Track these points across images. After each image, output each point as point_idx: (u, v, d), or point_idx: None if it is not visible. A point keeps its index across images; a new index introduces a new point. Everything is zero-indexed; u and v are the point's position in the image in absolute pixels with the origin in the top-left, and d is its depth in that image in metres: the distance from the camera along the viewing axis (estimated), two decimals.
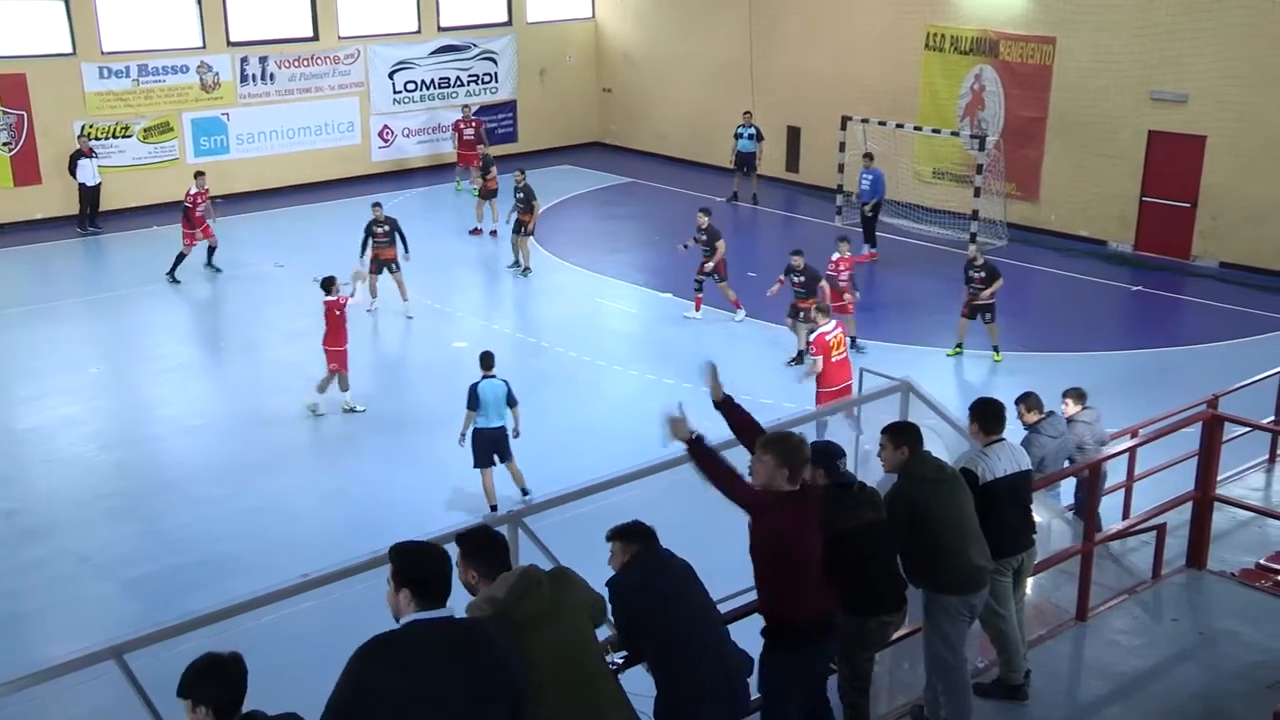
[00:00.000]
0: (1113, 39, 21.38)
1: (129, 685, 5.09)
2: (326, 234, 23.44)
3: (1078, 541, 8.08)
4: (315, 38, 26.48)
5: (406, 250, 19.14)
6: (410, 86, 27.97)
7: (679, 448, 5.77)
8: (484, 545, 4.96)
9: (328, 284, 15.55)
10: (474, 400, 12.58)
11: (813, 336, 14.05)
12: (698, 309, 18.91)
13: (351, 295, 15.87)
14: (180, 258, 20.43)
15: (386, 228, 19.07)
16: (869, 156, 22.45)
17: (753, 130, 25.50)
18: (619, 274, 20.45)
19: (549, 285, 20.60)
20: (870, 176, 22.07)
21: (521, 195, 20.89)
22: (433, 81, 28.26)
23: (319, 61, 26.53)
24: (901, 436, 6.47)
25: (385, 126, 27.67)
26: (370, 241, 19.10)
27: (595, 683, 4.97)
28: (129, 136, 24.40)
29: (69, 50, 23.65)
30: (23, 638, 10.87)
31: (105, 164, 23.71)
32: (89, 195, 23.12)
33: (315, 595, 5.79)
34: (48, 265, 21.83)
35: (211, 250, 20.82)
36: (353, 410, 15.46)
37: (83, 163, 22.97)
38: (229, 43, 25.33)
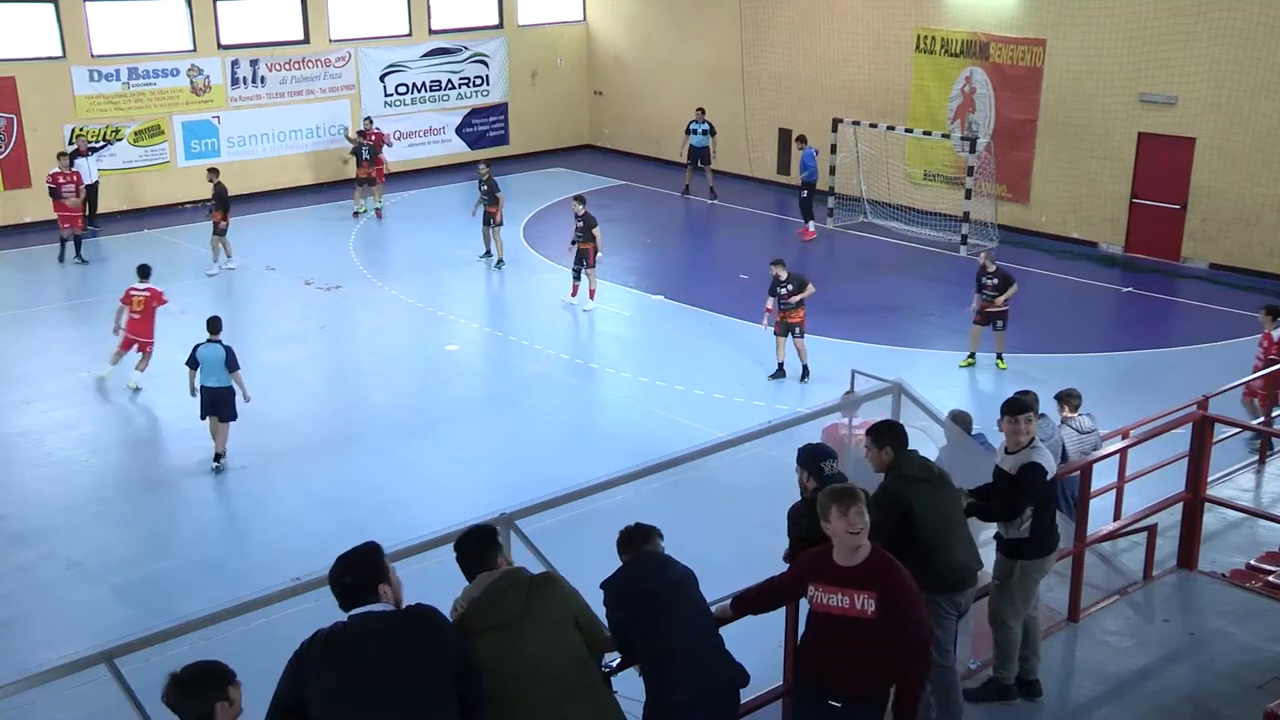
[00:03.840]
0: (1102, 41, 21.44)
1: (120, 690, 5.07)
2: (317, 237, 23.44)
3: (1068, 543, 8.09)
4: (306, 40, 26.45)
5: (218, 218, 21.06)
6: (401, 89, 27.96)
7: (670, 451, 5.76)
8: (461, 549, 4.99)
9: (145, 271, 16.62)
10: (191, 359, 13.94)
11: (825, 426, 12.76)
12: (574, 295, 19.36)
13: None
14: (67, 240, 21.32)
15: (213, 195, 21.14)
16: (801, 139, 23.69)
17: (706, 125, 25.90)
18: (611, 276, 20.45)
19: (541, 287, 20.60)
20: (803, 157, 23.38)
21: (486, 188, 21.23)
22: (424, 84, 28.26)
23: (310, 64, 26.50)
24: (881, 437, 6.48)
25: (377, 130, 27.60)
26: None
27: (569, 696, 4.83)
28: (119, 140, 24.36)
29: (59, 53, 23.60)
30: (12, 643, 10.81)
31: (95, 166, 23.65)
32: (87, 194, 23.04)
33: (305, 600, 5.75)
34: (38, 269, 21.75)
35: (79, 241, 21.49)
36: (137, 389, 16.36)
37: (79, 162, 22.92)
38: (219, 45, 25.30)
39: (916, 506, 6.26)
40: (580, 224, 19.00)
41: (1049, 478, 6.81)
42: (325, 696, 4.27)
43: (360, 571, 4.50)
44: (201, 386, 13.87)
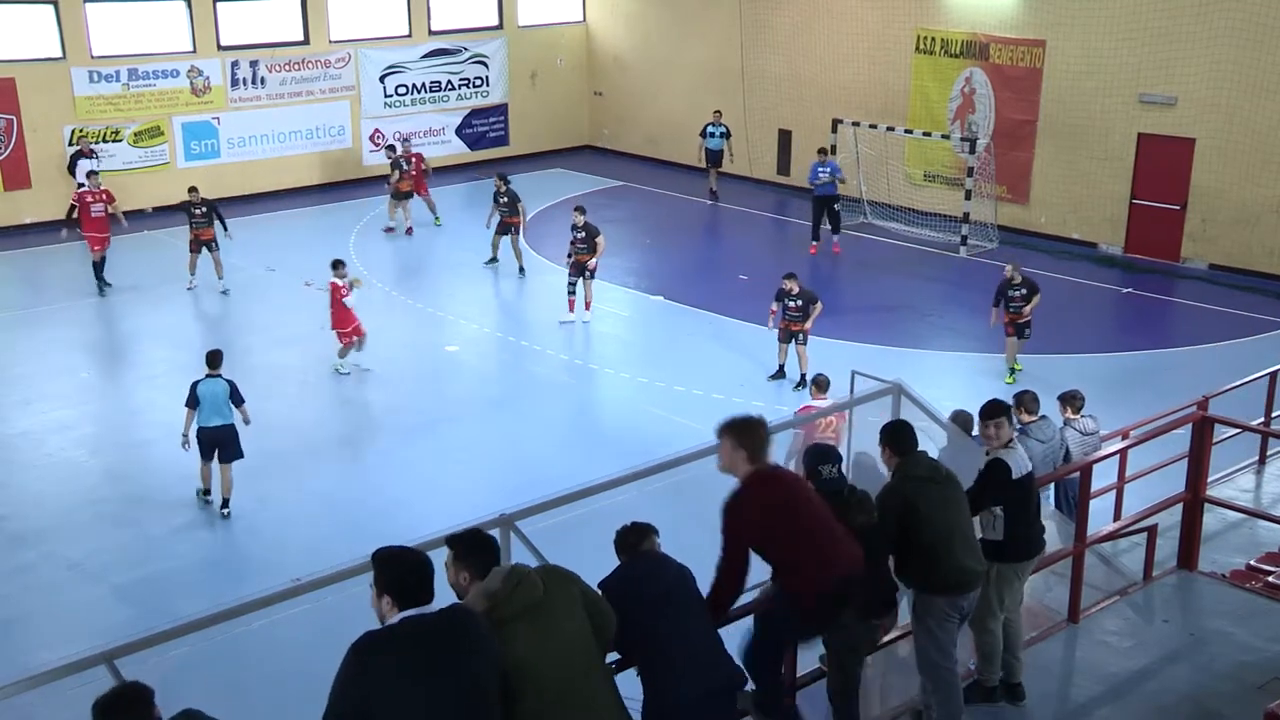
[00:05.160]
0: (1102, 42, 21.45)
1: None
2: (318, 238, 23.43)
3: (1066, 542, 8.10)
4: (306, 41, 26.45)
5: (226, 229, 20.09)
6: (401, 90, 27.97)
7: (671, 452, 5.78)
8: (474, 546, 4.98)
9: (338, 264, 16.67)
10: (191, 398, 12.75)
11: (799, 406, 12.62)
12: (571, 310, 18.71)
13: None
14: (97, 267, 20.03)
15: (204, 209, 19.86)
16: (825, 150, 22.61)
17: (723, 128, 25.67)
18: (610, 277, 20.44)
19: (540, 288, 20.60)
20: (827, 169, 22.06)
21: (506, 199, 20.94)
22: (424, 85, 28.27)
23: (310, 65, 26.50)
24: (883, 436, 6.52)
25: (376, 130, 27.64)
26: (190, 223, 19.93)
27: (590, 679, 4.91)
28: (119, 140, 24.37)
29: (58, 54, 23.60)
30: (12, 644, 10.83)
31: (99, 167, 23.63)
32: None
33: (306, 600, 5.76)
34: (38, 269, 21.76)
35: (99, 265, 20.08)
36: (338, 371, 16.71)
37: (82, 163, 22.89)
38: (219, 46, 25.30)
39: (923, 508, 6.25)
40: (582, 234, 18.55)
41: (1015, 477, 6.77)
42: (382, 692, 4.28)
43: (430, 569, 4.51)
44: (200, 428, 12.75)
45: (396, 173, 23.35)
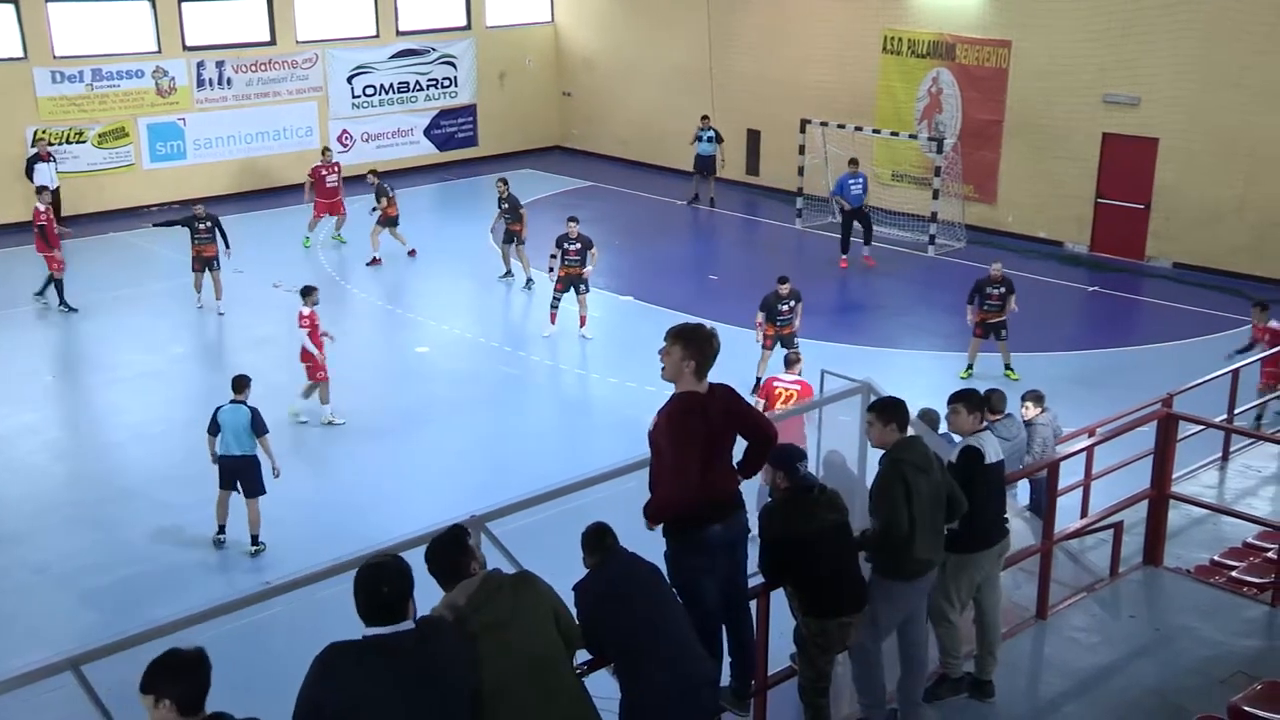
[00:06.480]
0: (1067, 43, 21.63)
1: (87, 697, 5.03)
2: (286, 240, 23.28)
3: (1037, 540, 8.17)
4: (273, 42, 26.30)
5: (228, 246, 19.21)
6: (369, 91, 27.85)
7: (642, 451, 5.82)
8: (435, 554, 4.93)
9: (305, 292, 15.42)
10: (212, 425, 12.25)
11: (764, 378, 12.30)
12: (553, 322, 18.17)
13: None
14: (54, 282, 19.06)
15: (208, 223, 19.04)
16: (855, 162, 21.76)
17: (712, 133, 25.55)
18: None
19: (511, 290, 20.57)
20: (859, 182, 21.44)
21: (507, 205, 20.57)
22: (392, 86, 28.17)
23: (276, 66, 26.35)
24: (888, 414, 6.41)
25: (344, 131, 27.52)
26: (193, 238, 19.01)
27: (555, 692, 4.90)
28: (83, 142, 24.14)
29: (20, 54, 23.36)
30: None
31: (59, 169, 23.35)
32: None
33: (277, 603, 5.74)
34: (1, 272, 21.50)
35: (59, 285, 19.06)
36: (330, 423, 15.25)
37: (39, 166, 22.62)
38: (185, 47, 25.11)
39: (913, 498, 6.23)
40: (576, 245, 17.94)
41: (987, 462, 6.76)
42: (346, 706, 4.26)
43: (404, 584, 4.42)
44: (221, 456, 12.21)
45: (384, 199, 21.99)
